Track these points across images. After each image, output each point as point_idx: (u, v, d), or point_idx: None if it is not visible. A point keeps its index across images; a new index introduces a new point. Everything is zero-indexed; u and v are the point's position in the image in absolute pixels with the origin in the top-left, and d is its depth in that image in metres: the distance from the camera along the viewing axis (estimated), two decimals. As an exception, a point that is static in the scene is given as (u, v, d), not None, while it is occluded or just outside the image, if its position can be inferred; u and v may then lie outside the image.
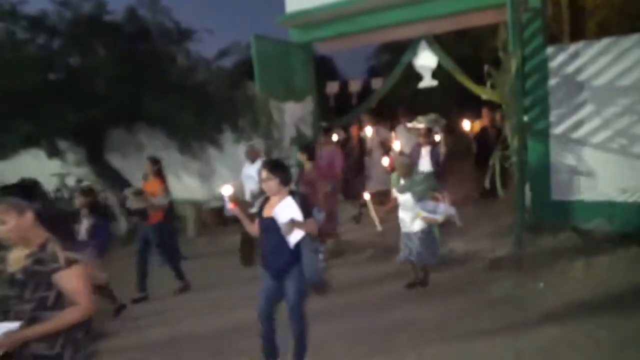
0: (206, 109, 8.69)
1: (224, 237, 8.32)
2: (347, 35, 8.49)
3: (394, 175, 5.07)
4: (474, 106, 10.10)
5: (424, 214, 4.64)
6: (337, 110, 11.99)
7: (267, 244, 3.57)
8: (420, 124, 6.22)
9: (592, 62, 6.20)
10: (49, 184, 10.52)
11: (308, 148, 6.62)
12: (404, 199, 4.97)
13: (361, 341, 4.23)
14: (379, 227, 4.71)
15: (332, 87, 12.63)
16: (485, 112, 9.64)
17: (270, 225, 3.43)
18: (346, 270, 6.09)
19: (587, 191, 6.43)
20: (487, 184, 5.96)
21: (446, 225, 5.21)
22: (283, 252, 3.45)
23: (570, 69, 6.35)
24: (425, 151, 6.11)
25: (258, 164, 6.30)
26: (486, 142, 8.60)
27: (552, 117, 6.53)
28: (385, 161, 7.12)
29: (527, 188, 6.41)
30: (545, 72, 6.48)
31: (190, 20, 9.67)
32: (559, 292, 4.75)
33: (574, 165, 6.48)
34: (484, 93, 8.17)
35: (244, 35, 10.27)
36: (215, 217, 9.22)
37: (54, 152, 9.01)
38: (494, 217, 7.42)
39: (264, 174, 3.49)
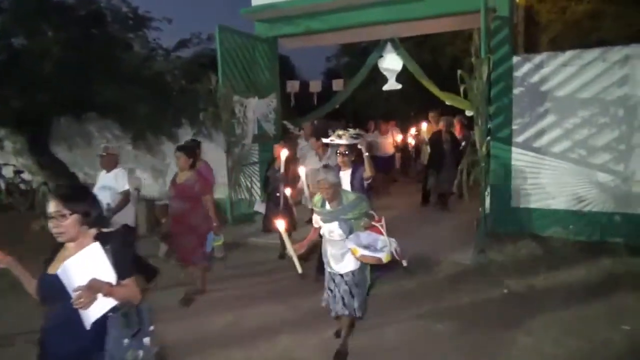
0: (163, 100, 8.25)
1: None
2: (314, 33, 8.36)
3: (316, 198, 3.75)
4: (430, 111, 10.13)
5: (362, 252, 3.38)
6: (297, 110, 11.81)
7: (50, 319, 2.21)
8: (339, 139, 4.66)
9: (555, 73, 6.37)
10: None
11: (188, 149, 5.16)
12: (329, 229, 3.68)
13: None
14: (299, 269, 3.43)
15: (293, 87, 12.45)
16: (431, 116, 9.44)
17: (56, 289, 2.09)
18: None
19: (546, 199, 6.60)
20: (454, 189, 5.98)
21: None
22: (74, 333, 2.12)
23: (534, 79, 6.49)
24: (344, 174, 4.62)
25: (117, 171, 5.18)
26: (440, 147, 8.31)
27: (515, 125, 6.66)
28: (288, 191, 5.62)
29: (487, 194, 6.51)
30: (510, 81, 6.59)
31: (148, 7, 9.15)
32: (523, 300, 4.77)
33: (534, 174, 6.64)
34: (448, 99, 8.28)
35: (205, 27, 9.88)
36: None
37: (-9, 140, 8.28)
38: (451, 223, 7.48)
39: (52, 206, 2.16)
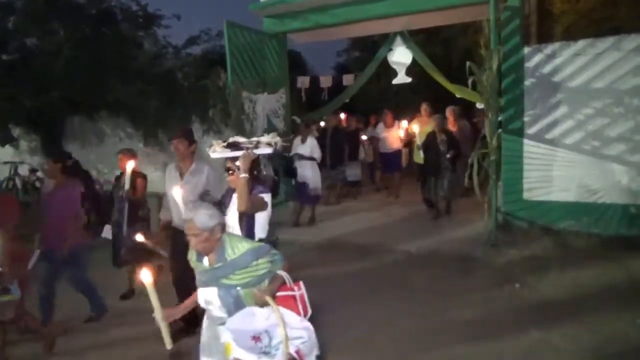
0: (174, 98, 8.32)
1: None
2: (323, 27, 8.32)
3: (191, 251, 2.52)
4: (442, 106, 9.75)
5: (238, 352, 2.06)
6: (308, 106, 11.83)
7: None
8: (216, 153, 3.27)
9: (568, 63, 6.25)
10: (1, 173, 9.87)
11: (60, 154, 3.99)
12: (207, 297, 2.43)
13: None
14: (168, 344, 2.38)
15: (304, 82, 12.46)
16: (424, 108, 8.34)
17: None
18: None
19: (559, 192, 6.48)
20: (466, 182, 5.92)
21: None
22: None
23: (546, 69, 6.38)
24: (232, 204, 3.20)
25: None
26: (435, 151, 7.38)
27: (527, 117, 6.55)
28: (141, 238, 4.10)
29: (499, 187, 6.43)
30: (522, 72, 6.49)
31: (157, 4, 9.22)
32: (535, 293, 4.72)
33: (546, 166, 6.53)
34: (458, 91, 8.20)
35: (214, 24, 9.93)
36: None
37: (6, 139, 8.42)
38: (461, 216, 7.42)
39: None
